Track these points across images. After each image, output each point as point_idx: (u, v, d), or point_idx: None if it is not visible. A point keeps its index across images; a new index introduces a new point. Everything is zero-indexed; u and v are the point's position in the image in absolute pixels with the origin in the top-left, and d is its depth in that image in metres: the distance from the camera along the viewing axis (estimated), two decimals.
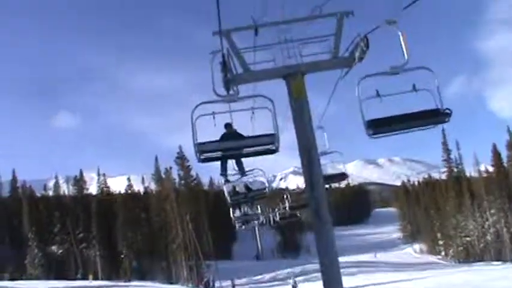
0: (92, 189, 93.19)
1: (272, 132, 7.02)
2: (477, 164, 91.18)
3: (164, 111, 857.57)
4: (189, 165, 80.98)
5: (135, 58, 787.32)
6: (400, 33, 6.97)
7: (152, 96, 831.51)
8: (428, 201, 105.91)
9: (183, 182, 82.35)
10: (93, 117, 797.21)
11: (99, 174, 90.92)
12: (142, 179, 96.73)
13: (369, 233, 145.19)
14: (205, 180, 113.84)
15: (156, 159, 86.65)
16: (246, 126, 10.39)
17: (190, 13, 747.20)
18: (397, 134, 7.14)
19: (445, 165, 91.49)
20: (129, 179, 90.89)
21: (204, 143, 7.01)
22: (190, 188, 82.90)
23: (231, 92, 7.32)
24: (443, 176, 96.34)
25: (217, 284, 62.50)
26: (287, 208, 26.53)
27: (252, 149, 7.44)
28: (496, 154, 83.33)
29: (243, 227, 26.44)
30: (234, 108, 7.60)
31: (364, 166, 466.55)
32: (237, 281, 63.59)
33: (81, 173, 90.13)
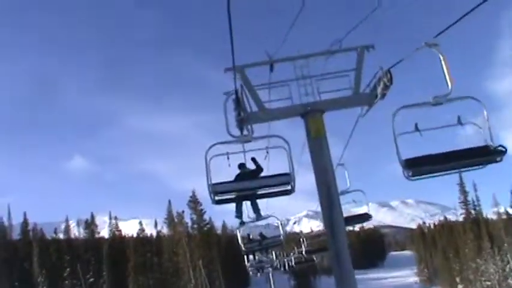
0: (104, 232, 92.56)
1: (287, 172, 6.73)
2: (496, 206, 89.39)
3: (177, 154, 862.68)
4: (202, 209, 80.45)
5: (145, 102, 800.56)
6: (441, 57, 6.36)
7: (165, 139, 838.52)
8: (446, 244, 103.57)
9: (195, 226, 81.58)
10: (105, 161, 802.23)
11: (110, 218, 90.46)
12: (155, 222, 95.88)
13: (385, 276, 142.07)
14: (218, 224, 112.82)
15: (170, 202, 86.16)
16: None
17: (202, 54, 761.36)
18: (439, 175, 6.33)
19: (462, 207, 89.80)
20: (140, 223, 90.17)
21: (218, 184, 6.76)
22: (203, 233, 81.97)
23: (245, 132, 7.04)
24: (460, 218, 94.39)
25: None
26: (303, 252, 25.90)
27: (267, 190, 7.17)
28: None
29: (258, 274, 25.85)
30: (249, 148, 7.33)
31: (377, 209, 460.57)
32: None
33: (92, 216, 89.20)
